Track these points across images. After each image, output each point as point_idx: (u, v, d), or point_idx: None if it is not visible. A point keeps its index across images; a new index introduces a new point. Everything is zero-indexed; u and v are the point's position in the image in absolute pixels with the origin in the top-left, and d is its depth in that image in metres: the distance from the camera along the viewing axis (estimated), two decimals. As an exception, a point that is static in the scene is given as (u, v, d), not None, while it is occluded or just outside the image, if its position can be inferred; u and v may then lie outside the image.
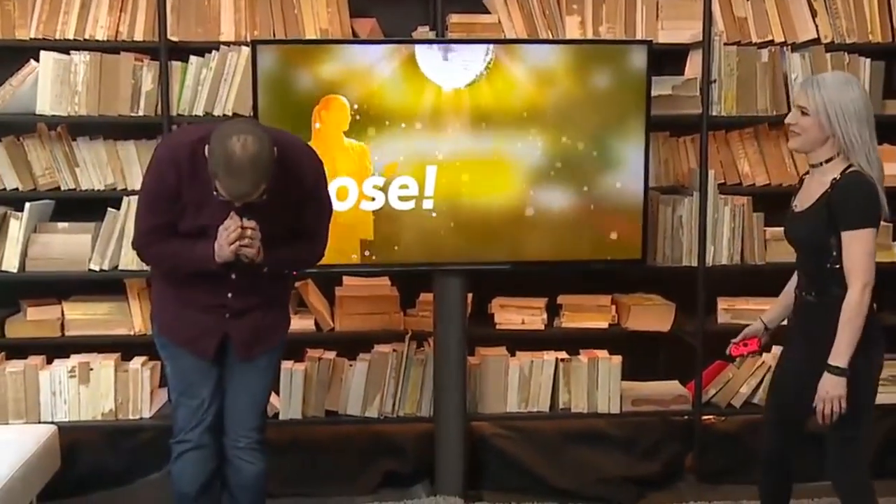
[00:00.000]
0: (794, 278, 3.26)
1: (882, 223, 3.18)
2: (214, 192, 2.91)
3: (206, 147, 2.89)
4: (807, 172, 3.18)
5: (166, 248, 3.11)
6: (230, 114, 4.00)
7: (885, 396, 4.21)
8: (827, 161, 3.01)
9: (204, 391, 3.24)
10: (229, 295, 3.17)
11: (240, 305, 3.19)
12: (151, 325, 3.36)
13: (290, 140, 3.14)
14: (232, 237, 2.97)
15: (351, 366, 4.22)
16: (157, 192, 3.06)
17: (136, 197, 3.31)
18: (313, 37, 4.08)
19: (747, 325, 3.42)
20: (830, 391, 2.94)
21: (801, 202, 3.10)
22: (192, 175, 2.99)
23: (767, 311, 3.41)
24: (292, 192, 3.07)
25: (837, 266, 2.97)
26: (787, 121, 3.11)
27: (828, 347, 2.96)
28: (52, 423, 3.96)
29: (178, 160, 3.01)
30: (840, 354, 2.93)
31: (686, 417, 4.33)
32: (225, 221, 2.98)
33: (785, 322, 3.33)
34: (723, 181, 4.32)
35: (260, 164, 2.83)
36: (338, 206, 3.70)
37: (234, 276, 3.14)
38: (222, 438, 3.31)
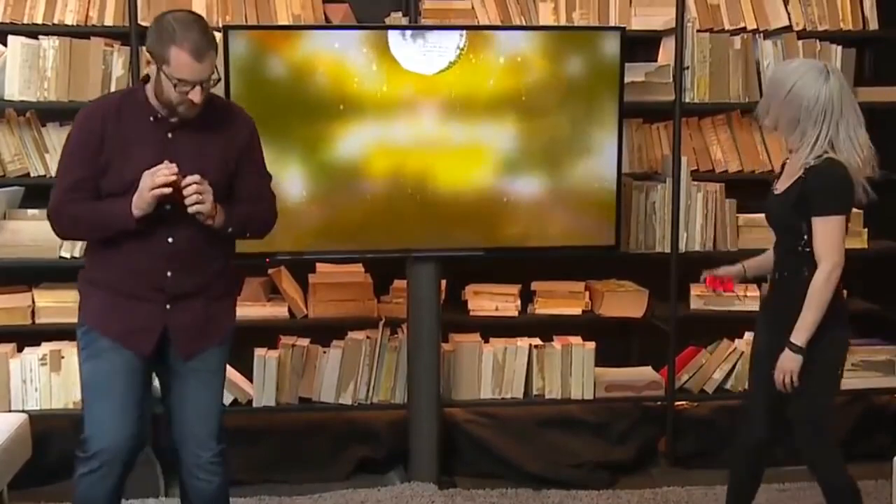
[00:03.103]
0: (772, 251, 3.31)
1: (853, 210, 3.24)
2: (162, 84, 2.77)
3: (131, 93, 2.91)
4: (788, 158, 3.23)
5: (83, 207, 2.86)
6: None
7: (856, 381, 4.29)
8: (799, 147, 3.04)
9: (128, 396, 2.92)
10: (168, 274, 2.88)
11: (181, 289, 2.91)
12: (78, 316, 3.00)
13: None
14: (159, 181, 2.73)
15: (325, 353, 4.21)
16: (81, 141, 2.86)
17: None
18: (285, 22, 4.06)
19: (720, 311, 3.46)
20: (785, 365, 3.01)
21: (781, 185, 3.15)
22: (117, 120, 2.85)
23: (750, 260, 3.43)
24: (228, 144, 2.94)
25: (808, 249, 3.01)
26: (758, 111, 3.16)
27: (793, 325, 3.02)
28: (22, 411, 3.93)
29: (104, 109, 2.89)
30: (800, 332, 2.99)
31: (659, 403, 4.35)
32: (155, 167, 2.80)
33: (761, 277, 3.40)
34: (695, 168, 4.34)
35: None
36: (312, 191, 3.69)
37: (170, 241, 2.87)
38: (180, 453, 3.04)
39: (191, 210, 2.79)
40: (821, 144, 2.99)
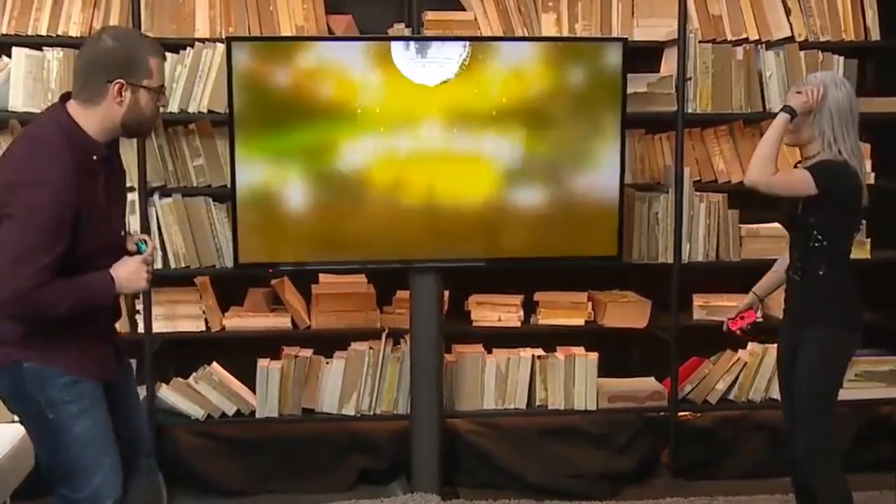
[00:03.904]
0: (785, 256, 3.37)
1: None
2: (141, 88, 2.64)
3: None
4: (799, 162, 3.30)
5: (61, 286, 2.57)
6: (205, 110, 3.98)
7: (859, 392, 4.29)
8: (816, 154, 3.15)
9: (128, 435, 2.86)
10: (112, 311, 2.87)
11: (114, 318, 2.91)
12: (25, 363, 2.65)
13: None
14: (148, 267, 2.72)
15: (327, 363, 4.21)
16: (58, 215, 2.53)
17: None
18: (289, 33, 4.06)
19: (723, 322, 3.48)
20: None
21: None
22: (76, 177, 2.58)
23: (758, 284, 3.51)
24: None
25: (817, 245, 3.11)
26: None
27: (808, 326, 3.12)
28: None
29: (65, 169, 2.56)
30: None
31: (662, 414, 4.34)
32: (141, 250, 2.77)
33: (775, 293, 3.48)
34: (698, 178, 4.34)
35: None
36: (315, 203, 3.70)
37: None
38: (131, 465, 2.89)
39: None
40: (834, 150, 3.12)
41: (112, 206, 2.75)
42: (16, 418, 3.93)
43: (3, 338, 2.66)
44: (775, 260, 3.51)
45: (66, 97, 2.72)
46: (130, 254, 2.80)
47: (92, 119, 2.66)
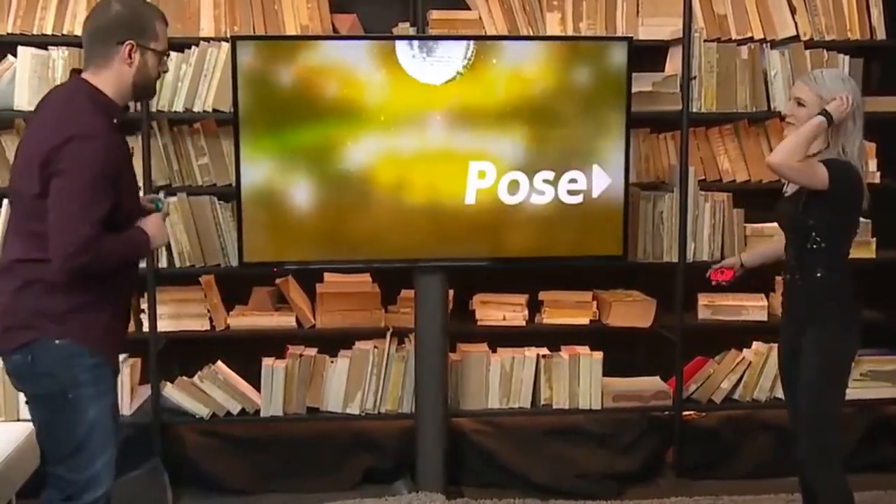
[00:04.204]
0: (783, 238, 3.36)
1: (861, 219, 3.34)
2: (149, 51, 2.79)
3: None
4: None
5: (113, 240, 2.71)
6: (210, 109, 3.99)
7: (863, 391, 4.28)
8: (818, 152, 3.13)
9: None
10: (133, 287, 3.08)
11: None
12: (56, 340, 2.72)
13: None
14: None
15: (332, 362, 4.21)
16: (106, 172, 2.66)
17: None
18: (293, 33, 4.07)
19: (728, 321, 3.50)
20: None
21: (791, 187, 3.25)
22: (115, 143, 2.76)
23: (750, 252, 3.61)
24: None
25: (815, 247, 3.10)
26: (784, 111, 3.25)
27: (809, 328, 3.11)
28: (31, 420, 3.92)
29: (108, 130, 2.72)
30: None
31: (666, 413, 4.34)
32: (158, 207, 2.96)
33: (758, 266, 3.57)
34: (703, 177, 4.33)
35: None
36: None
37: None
38: None
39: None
40: (838, 148, 3.11)
41: (133, 169, 2.91)
42: (20, 416, 3.97)
43: (43, 313, 2.72)
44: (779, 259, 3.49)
45: (76, 72, 2.86)
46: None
47: (106, 82, 2.78)
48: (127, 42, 2.76)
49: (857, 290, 3.20)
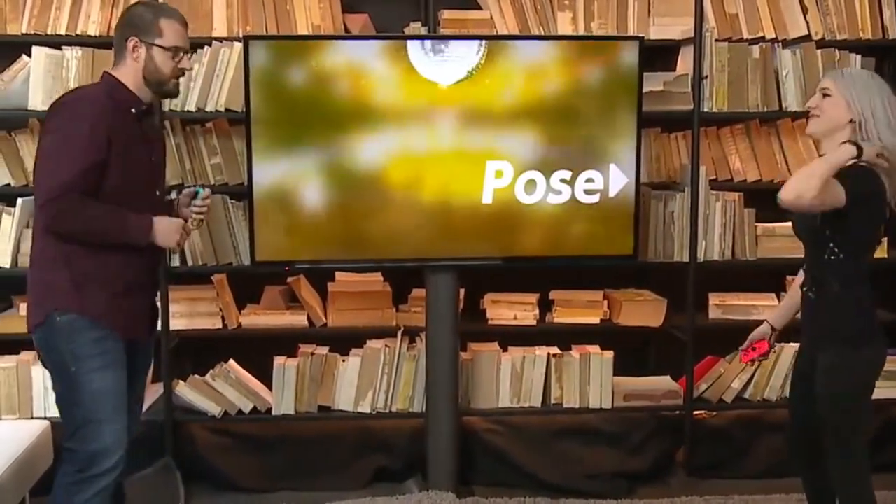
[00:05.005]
0: (800, 275, 3.25)
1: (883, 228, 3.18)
2: (159, 49, 2.97)
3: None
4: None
5: (103, 206, 2.84)
6: (222, 109, 4.00)
7: (875, 391, 4.24)
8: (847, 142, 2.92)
9: (129, 398, 3.00)
10: (153, 266, 3.14)
11: (155, 273, 3.20)
12: (58, 317, 2.89)
13: None
14: (199, 216, 3.13)
15: (343, 361, 4.23)
16: (92, 131, 2.82)
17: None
18: (305, 32, 4.08)
19: (738, 321, 3.45)
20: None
21: None
22: (113, 118, 2.90)
23: (774, 311, 3.42)
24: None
25: (833, 258, 2.96)
26: (808, 104, 3.05)
27: (821, 350, 3.00)
28: (44, 418, 3.95)
29: (102, 103, 2.92)
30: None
31: (677, 413, 4.34)
32: (195, 197, 3.12)
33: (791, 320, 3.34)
34: (714, 177, 4.33)
35: None
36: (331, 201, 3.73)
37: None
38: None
39: (196, 220, 3.14)
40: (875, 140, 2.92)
41: (152, 165, 3.05)
42: (34, 414, 4.00)
43: (50, 288, 2.88)
44: (790, 259, 3.46)
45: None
46: (174, 213, 3.15)
47: (125, 76, 3.00)
48: (131, 38, 2.99)
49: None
